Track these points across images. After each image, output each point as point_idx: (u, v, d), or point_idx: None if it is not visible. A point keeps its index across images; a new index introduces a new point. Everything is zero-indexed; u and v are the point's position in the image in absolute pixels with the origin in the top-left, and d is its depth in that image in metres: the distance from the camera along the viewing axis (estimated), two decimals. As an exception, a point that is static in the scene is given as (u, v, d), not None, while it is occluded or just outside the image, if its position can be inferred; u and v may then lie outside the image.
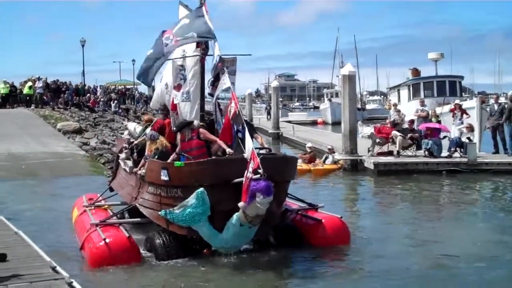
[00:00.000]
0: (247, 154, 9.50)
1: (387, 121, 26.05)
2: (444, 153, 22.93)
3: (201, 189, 9.76)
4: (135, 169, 12.44)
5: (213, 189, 9.76)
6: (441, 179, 20.85)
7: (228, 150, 10.58)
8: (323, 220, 11.83)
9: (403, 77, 40.50)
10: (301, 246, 11.38)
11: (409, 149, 23.56)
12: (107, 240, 10.49)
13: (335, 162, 23.78)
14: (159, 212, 10.64)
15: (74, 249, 11.68)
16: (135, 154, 13.47)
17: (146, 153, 12.19)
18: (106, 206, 13.75)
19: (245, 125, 10.58)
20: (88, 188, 18.52)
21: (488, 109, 27.87)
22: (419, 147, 23.45)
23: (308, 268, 10.32)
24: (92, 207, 13.56)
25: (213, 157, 10.75)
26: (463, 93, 36.80)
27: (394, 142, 23.47)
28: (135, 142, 13.84)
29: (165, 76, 14.03)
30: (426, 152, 22.99)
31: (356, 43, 69.05)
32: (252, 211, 9.21)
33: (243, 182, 9.15)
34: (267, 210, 9.27)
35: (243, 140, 10.15)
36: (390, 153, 23.65)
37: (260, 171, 8.90)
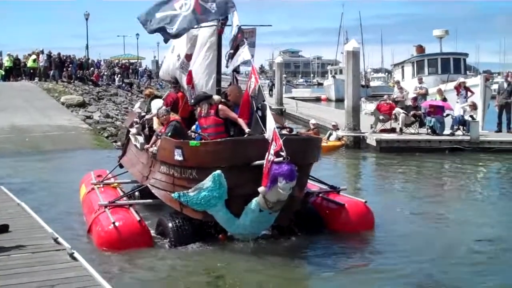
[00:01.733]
0: (268, 134, 8.61)
1: (385, 97, 25.90)
2: (447, 131, 22.90)
3: (218, 171, 9.04)
4: (146, 146, 11.72)
5: (231, 171, 9.03)
6: (443, 157, 20.81)
7: (247, 130, 9.76)
8: (346, 205, 11.10)
9: (408, 54, 40.34)
10: (322, 232, 10.73)
11: (412, 126, 23.56)
12: (117, 224, 9.79)
13: (339, 138, 23.77)
14: (172, 194, 9.93)
15: (78, 222, 11.66)
16: (146, 129, 12.65)
17: (156, 130, 11.54)
18: (116, 184, 13.06)
19: (266, 103, 9.47)
20: (91, 161, 18.62)
21: (492, 87, 27.81)
22: (422, 125, 23.46)
23: (330, 256, 9.66)
24: (101, 185, 12.81)
25: (232, 137, 9.90)
26: (467, 71, 36.67)
27: (397, 119, 23.47)
28: (147, 116, 12.92)
29: (177, 46, 13.03)
30: (429, 130, 22.96)
31: (362, 19, 68.74)
32: (273, 196, 8.53)
33: (264, 165, 8.41)
34: (289, 195, 8.58)
35: (263, 118, 9.15)
36: (393, 130, 23.65)
37: (282, 153, 8.14)
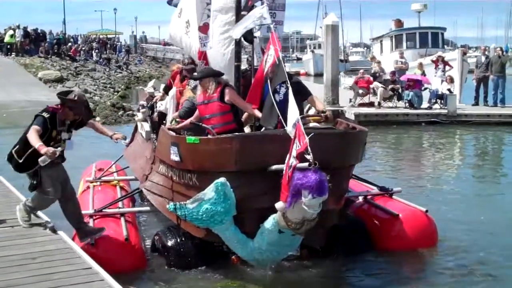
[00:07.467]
0: (290, 128, 6.08)
1: (360, 72, 25.91)
2: (425, 104, 23.13)
3: (222, 179, 6.73)
4: (152, 135, 9.24)
5: (240, 178, 6.76)
6: (421, 130, 21.09)
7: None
8: (400, 215, 8.57)
9: (386, 29, 40.39)
10: (368, 251, 8.31)
11: (390, 100, 23.74)
12: (99, 242, 7.68)
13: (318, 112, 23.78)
14: (167, 206, 7.71)
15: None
16: (155, 113, 10.00)
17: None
18: (116, 181, 10.53)
19: (288, 83, 6.65)
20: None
21: (471, 61, 28.02)
22: (400, 98, 23.63)
23: (379, 285, 7.55)
24: (98, 183, 10.40)
25: (243, 132, 7.58)
26: (445, 46, 36.89)
27: (375, 93, 23.62)
28: (160, 106, 10.02)
29: (184, 9, 10.14)
30: (407, 104, 23.15)
31: (340, -7, 68.10)
32: (295, 215, 6.23)
33: (284, 172, 6.11)
34: (320, 211, 6.24)
35: (282, 105, 6.69)
36: (371, 104, 23.81)
37: (308, 156, 5.82)
